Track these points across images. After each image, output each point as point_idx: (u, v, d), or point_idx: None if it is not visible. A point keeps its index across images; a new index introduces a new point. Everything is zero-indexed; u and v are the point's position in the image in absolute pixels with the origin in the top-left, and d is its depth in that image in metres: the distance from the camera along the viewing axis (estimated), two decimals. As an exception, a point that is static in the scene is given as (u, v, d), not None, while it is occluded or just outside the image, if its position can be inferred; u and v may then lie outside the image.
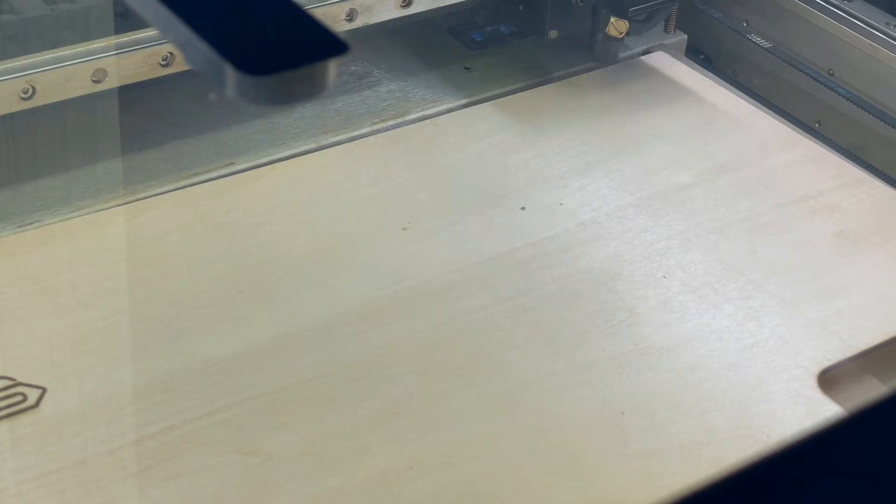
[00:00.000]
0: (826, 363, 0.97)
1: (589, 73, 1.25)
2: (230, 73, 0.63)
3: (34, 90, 0.98)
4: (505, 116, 1.15)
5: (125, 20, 1.01)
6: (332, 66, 0.64)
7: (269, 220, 1.06)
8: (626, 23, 1.19)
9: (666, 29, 1.26)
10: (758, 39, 1.31)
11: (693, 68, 1.28)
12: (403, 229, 1.05)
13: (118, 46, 1.01)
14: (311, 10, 0.62)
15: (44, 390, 0.89)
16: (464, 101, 1.19)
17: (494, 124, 1.17)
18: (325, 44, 0.65)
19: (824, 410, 0.93)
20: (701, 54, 1.33)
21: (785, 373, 0.96)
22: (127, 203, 1.04)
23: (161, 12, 0.66)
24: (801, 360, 0.97)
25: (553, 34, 1.22)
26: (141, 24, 1.00)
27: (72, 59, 1.00)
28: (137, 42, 1.02)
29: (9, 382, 0.89)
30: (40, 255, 1.00)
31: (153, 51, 1.02)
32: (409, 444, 0.89)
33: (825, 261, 1.06)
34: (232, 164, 1.09)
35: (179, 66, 1.03)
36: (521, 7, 1.24)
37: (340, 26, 1.06)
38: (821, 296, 1.03)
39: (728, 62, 1.32)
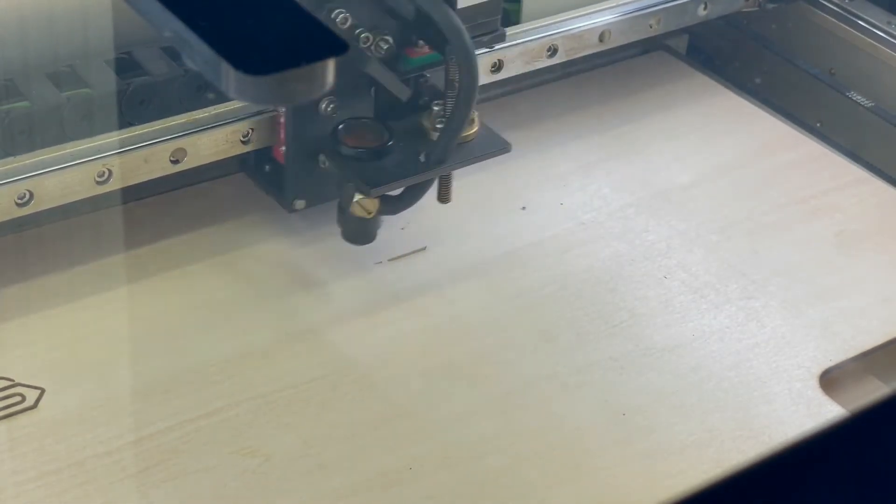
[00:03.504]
0: (828, 364, 0.97)
1: (589, 72, 1.24)
2: (230, 73, 0.62)
3: (109, 173, 0.94)
4: (504, 115, 1.14)
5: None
6: (332, 66, 0.64)
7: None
8: (376, 201, 0.98)
9: (441, 199, 1.01)
10: (759, 39, 1.30)
11: (694, 67, 1.28)
12: (402, 229, 1.05)
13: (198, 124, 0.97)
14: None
15: (42, 391, 0.89)
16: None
17: (493, 124, 1.16)
18: (325, 43, 0.65)
19: (826, 411, 0.93)
20: (702, 54, 1.33)
21: (786, 373, 0.96)
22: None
23: (160, 12, 0.66)
24: (803, 361, 0.97)
25: (300, 205, 1.02)
26: (222, 99, 0.98)
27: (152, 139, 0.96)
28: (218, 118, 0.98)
29: (7, 383, 0.89)
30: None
31: (235, 128, 0.99)
32: (408, 444, 0.88)
33: (826, 261, 1.06)
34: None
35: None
36: (266, 167, 1.03)
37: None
38: (822, 296, 1.03)
39: (729, 61, 1.32)
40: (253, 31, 0.66)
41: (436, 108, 0.98)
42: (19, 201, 0.91)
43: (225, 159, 1.01)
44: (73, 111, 0.94)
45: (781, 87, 1.28)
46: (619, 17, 1.15)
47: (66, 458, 0.85)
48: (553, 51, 1.12)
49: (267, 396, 0.90)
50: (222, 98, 0.98)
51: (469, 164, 1.00)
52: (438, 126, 0.98)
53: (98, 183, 0.94)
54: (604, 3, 1.15)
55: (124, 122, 0.96)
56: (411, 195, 1.00)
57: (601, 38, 1.14)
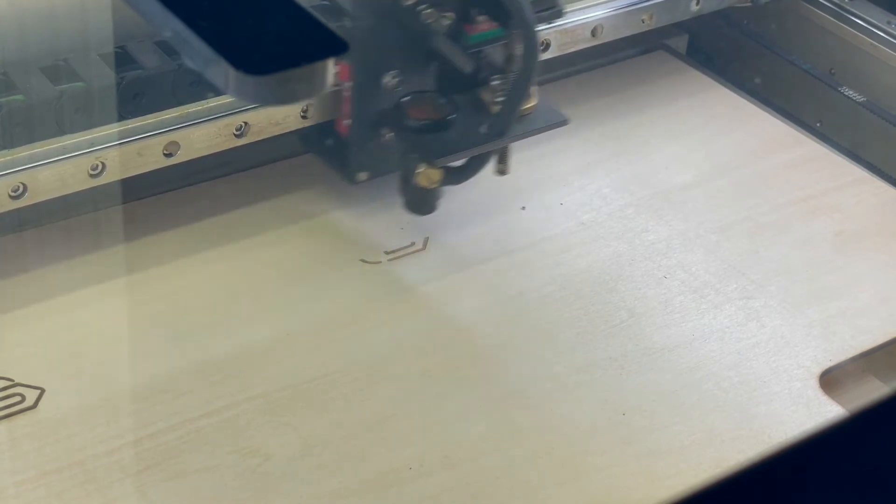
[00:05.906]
0: (827, 364, 0.97)
1: (589, 72, 1.25)
2: (229, 73, 0.62)
3: (103, 166, 0.95)
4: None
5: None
6: (331, 65, 0.64)
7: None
8: (440, 171, 1.00)
9: (499, 171, 1.04)
10: (759, 39, 1.30)
11: (694, 67, 1.28)
12: (401, 228, 1.05)
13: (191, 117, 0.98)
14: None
15: (42, 391, 0.89)
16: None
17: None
18: (324, 42, 0.65)
19: (826, 411, 0.93)
20: (702, 53, 1.33)
21: (786, 373, 0.96)
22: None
23: (160, 11, 0.66)
24: (803, 361, 0.97)
25: (362, 177, 1.04)
26: (215, 93, 0.98)
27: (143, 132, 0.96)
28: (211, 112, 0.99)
29: (7, 383, 0.89)
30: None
31: (228, 121, 0.99)
32: (408, 444, 0.88)
33: (826, 261, 1.06)
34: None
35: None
36: (328, 141, 1.05)
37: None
38: (822, 296, 1.03)
39: (729, 61, 1.32)
40: (253, 31, 0.66)
41: (494, 83, 1.01)
42: (13, 194, 0.92)
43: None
44: (67, 105, 0.94)
45: (781, 87, 1.28)
46: (612, 12, 1.15)
47: (66, 458, 0.85)
48: (546, 45, 1.12)
49: (267, 396, 0.91)
50: (216, 92, 0.98)
51: (529, 136, 1.04)
52: (498, 99, 1.00)
53: (91, 176, 0.94)
54: None
55: (118, 116, 0.96)
56: (473, 166, 1.03)
57: (594, 33, 1.15)
